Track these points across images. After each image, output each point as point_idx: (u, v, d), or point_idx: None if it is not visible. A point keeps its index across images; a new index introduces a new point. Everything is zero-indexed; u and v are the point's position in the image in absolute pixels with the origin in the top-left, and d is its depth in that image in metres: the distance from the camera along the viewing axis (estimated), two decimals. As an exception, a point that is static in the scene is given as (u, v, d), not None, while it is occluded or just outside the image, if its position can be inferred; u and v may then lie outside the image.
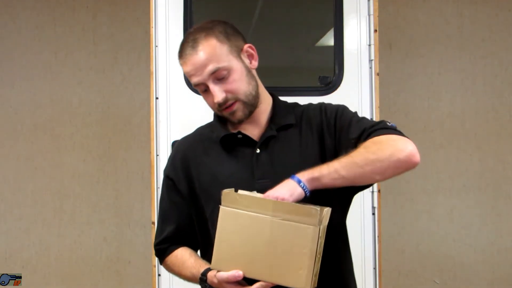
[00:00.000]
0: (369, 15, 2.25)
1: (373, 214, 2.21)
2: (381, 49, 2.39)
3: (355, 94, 2.23)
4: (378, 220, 2.21)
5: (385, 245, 2.30)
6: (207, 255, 1.32)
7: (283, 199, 1.11)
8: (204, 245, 1.37)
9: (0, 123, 3.26)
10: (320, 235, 1.09)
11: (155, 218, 2.15)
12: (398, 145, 1.17)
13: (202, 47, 1.26)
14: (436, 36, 3.33)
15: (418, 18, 3.33)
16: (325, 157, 1.28)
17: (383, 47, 3.00)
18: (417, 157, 1.16)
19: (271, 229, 1.11)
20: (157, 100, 2.19)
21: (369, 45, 2.25)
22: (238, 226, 1.14)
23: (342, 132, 1.28)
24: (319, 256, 1.11)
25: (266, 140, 1.31)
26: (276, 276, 1.12)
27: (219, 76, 1.26)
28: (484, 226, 3.32)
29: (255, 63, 1.34)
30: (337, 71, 2.24)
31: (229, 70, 1.27)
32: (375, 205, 2.21)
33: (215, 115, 1.40)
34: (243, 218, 1.13)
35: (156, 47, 2.19)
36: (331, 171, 1.15)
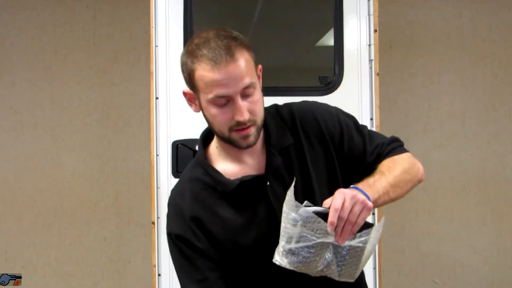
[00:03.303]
0: (369, 15, 2.25)
1: (373, 214, 2.21)
2: (381, 49, 2.39)
3: (355, 94, 2.23)
4: (378, 220, 2.21)
5: (385, 245, 2.29)
6: None
7: (364, 204, 1.02)
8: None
9: (0, 123, 3.26)
10: None
11: (155, 218, 2.15)
12: (416, 164, 1.24)
13: (239, 56, 1.08)
14: (436, 36, 3.32)
15: (418, 18, 3.33)
16: (333, 166, 1.23)
17: (383, 47, 2.99)
18: (424, 175, 1.25)
19: None
20: (157, 100, 2.19)
21: (369, 45, 2.25)
22: None
23: (355, 149, 1.24)
24: None
25: (275, 170, 1.19)
26: None
27: (247, 93, 1.10)
28: (484, 226, 3.31)
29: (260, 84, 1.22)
30: (337, 71, 2.24)
31: (255, 88, 1.12)
32: (375, 205, 2.20)
33: (201, 143, 1.25)
34: None
35: (156, 47, 2.19)
36: (384, 193, 1.12)
